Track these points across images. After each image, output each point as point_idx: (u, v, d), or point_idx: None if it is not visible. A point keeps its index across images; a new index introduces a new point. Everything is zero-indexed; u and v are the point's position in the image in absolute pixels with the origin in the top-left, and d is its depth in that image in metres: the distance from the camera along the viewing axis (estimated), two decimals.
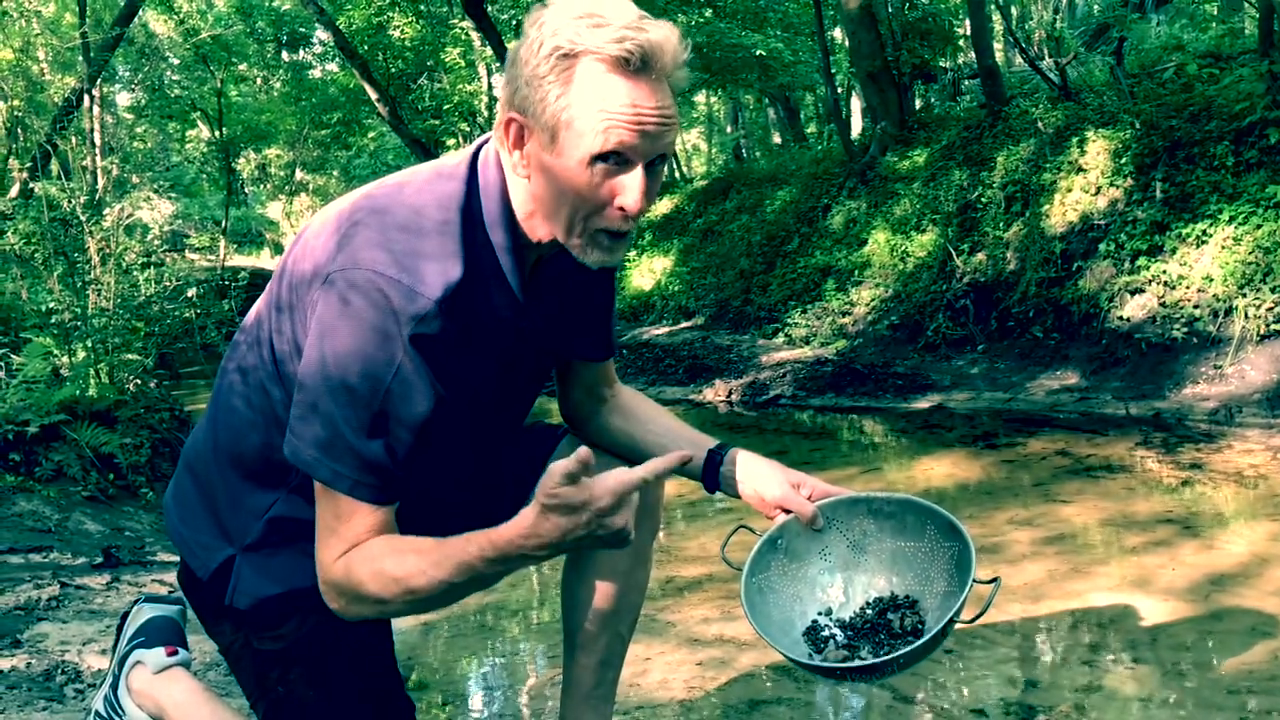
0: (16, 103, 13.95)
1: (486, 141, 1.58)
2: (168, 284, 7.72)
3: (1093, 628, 3.00)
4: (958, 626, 1.68)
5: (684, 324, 12.59)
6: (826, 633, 1.82)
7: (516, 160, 1.46)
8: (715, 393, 8.57)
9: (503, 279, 1.53)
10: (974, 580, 1.66)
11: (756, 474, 1.84)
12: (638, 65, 1.38)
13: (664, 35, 1.39)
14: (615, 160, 1.40)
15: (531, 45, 1.39)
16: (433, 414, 1.47)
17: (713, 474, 1.87)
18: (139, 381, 5.88)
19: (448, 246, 1.46)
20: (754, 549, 1.84)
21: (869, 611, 1.85)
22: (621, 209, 1.44)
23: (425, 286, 1.42)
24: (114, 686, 1.91)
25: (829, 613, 1.86)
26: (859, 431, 7.02)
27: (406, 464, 1.47)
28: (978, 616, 1.65)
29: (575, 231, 1.47)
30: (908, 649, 1.62)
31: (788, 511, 1.84)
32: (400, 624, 3.21)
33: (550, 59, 1.37)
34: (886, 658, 1.63)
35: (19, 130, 13.81)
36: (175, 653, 1.87)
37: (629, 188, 1.43)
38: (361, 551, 1.45)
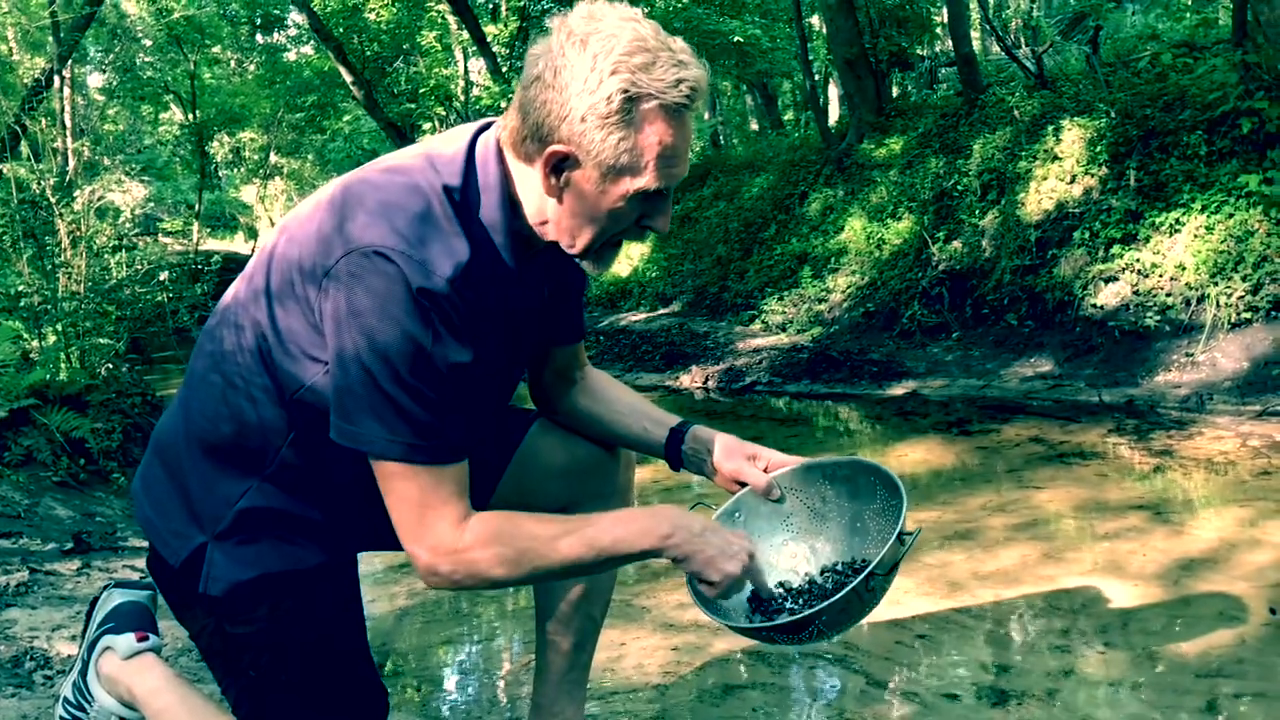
0: None
1: (482, 130, 1.55)
2: (140, 268, 7.64)
3: (1064, 612, 3.02)
4: (892, 587, 1.71)
5: (661, 310, 12.58)
6: (777, 605, 1.83)
7: (552, 184, 1.46)
8: (692, 379, 8.58)
9: (498, 270, 1.52)
10: (899, 534, 1.67)
11: (714, 448, 1.87)
12: (689, 107, 1.43)
13: (701, 73, 1.43)
14: (659, 193, 1.46)
15: (584, 80, 1.38)
16: (473, 365, 1.47)
17: (675, 452, 1.89)
18: (110, 366, 5.81)
19: (450, 231, 1.44)
20: None
21: (824, 577, 1.86)
22: (646, 228, 1.52)
23: (436, 265, 1.41)
24: (83, 673, 1.89)
25: (784, 582, 1.87)
26: (834, 418, 7.04)
27: (466, 416, 1.49)
28: (893, 570, 1.67)
29: (592, 249, 1.52)
30: (822, 604, 1.61)
31: (744, 484, 1.86)
32: (373, 610, 3.20)
33: (613, 101, 1.38)
34: (805, 614, 1.62)
35: None
36: (146, 638, 1.86)
37: (663, 214, 1.51)
38: (491, 517, 1.51)
